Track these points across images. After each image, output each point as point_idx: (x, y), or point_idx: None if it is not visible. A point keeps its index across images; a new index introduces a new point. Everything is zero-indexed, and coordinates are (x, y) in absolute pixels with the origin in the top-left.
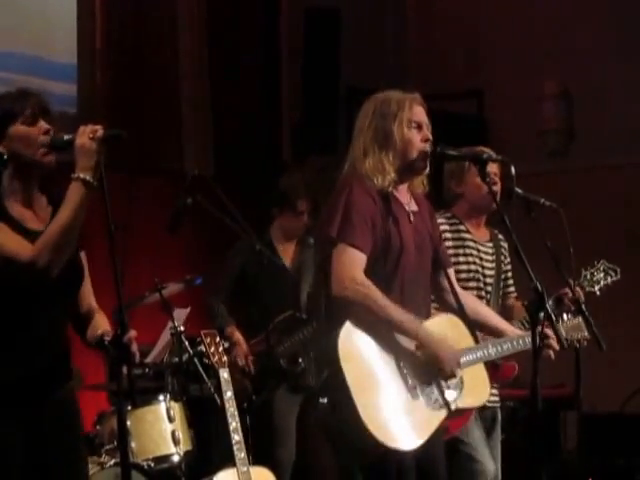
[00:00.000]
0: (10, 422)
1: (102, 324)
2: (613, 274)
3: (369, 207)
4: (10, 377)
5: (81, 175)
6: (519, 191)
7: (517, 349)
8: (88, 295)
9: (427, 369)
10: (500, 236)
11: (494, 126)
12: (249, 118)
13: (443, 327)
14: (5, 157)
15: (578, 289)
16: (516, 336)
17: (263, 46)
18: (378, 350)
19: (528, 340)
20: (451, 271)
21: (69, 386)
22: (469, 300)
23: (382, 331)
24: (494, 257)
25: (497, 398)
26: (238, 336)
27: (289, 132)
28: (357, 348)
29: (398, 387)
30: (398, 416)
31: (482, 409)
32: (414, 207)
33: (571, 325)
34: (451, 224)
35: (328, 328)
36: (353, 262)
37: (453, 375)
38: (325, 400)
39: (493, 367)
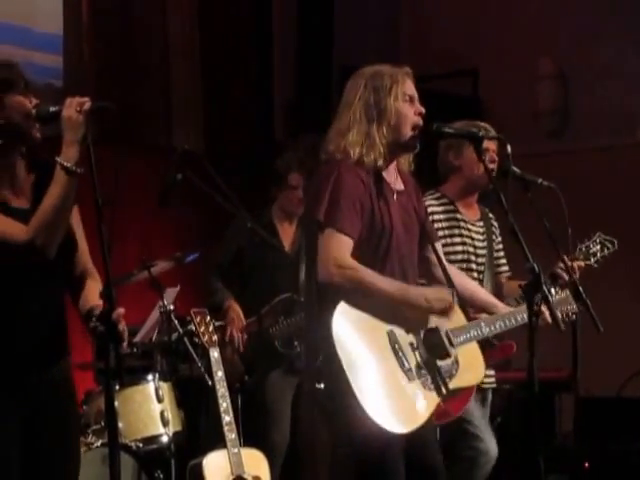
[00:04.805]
0: (3, 404)
1: (93, 296)
2: (610, 246)
3: (357, 190)
4: (3, 354)
5: (64, 163)
6: (516, 170)
7: (509, 326)
8: (83, 255)
9: (423, 349)
10: (490, 215)
11: (489, 106)
12: (241, 94)
13: None
14: (2, 123)
15: (575, 265)
16: (508, 312)
17: (256, 23)
18: (373, 333)
19: (520, 317)
20: (438, 245)
21: (65, 364)
22: (456, 275)
23: (376, 313)
24: (485, 236)
25: (492, 379)
26: (237, 310)
27: (281, 109)
28: (351, 332)
29: (394, 370)
30: (395, 399)
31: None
32: (400, 186)
33: (559, 299)
34: (441, 204)
35: (319, 312)
36: (340, 247)
37: (450, 308)
38: (322, 385)
39: (490, 347)
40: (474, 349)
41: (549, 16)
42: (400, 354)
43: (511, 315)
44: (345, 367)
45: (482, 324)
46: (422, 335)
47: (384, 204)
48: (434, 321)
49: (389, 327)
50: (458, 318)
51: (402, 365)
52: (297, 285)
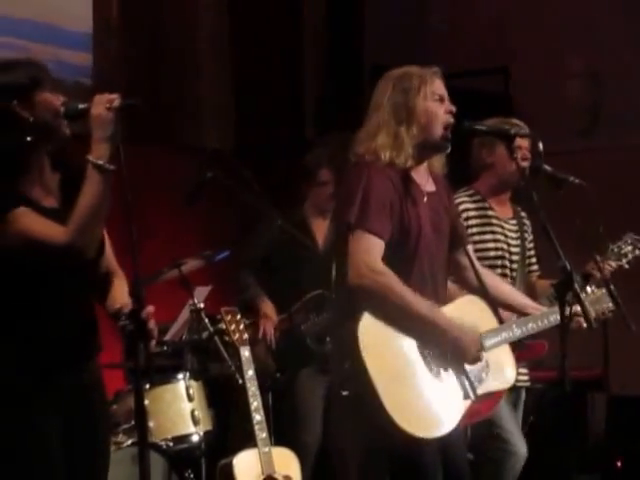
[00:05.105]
0: (42, 402)
1: (120, 295)
2: None
3: (387, 192)
4: (36, 353)
5: (95, 161)
6: (547, 168)
7: (542, 328)
8: (107, 254)
9: (451, 353)
10: (523, 213)
11: (520, 103)
12: (271, 92)
13: (465, 309)
14: (38, 124)
15: (607, 266)
16: (540, 314)
17: (286, 18)
18: (399, 337)
19: (553, 318)
20: (470, 248)
21: (94, 364)
22: (489, 277)
23: (402, 317)
24: (518, 234)
25: (526, 378)
26: (270, 307)
27: (312, 108)
28: (378, 337)
29: (422, 374)
30: (424, 404)
31: (509, 389)
32: (431, 187)
33: (594, 298)
34: (474, 201)
35: (346, 313)
36: (371, 249)
37: (478, 359)
38: (347, 393)
39: (521, 347)
40: (505, 352)
41: (581, 13)
42: (429, 358)
43: (544, 316)
44: (372, 374)
45: (514, 326)
46: None
47: (413, 206)
48: (464, 324)
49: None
50: (489, 321)
51: (431, 369)
52: (329, 282)
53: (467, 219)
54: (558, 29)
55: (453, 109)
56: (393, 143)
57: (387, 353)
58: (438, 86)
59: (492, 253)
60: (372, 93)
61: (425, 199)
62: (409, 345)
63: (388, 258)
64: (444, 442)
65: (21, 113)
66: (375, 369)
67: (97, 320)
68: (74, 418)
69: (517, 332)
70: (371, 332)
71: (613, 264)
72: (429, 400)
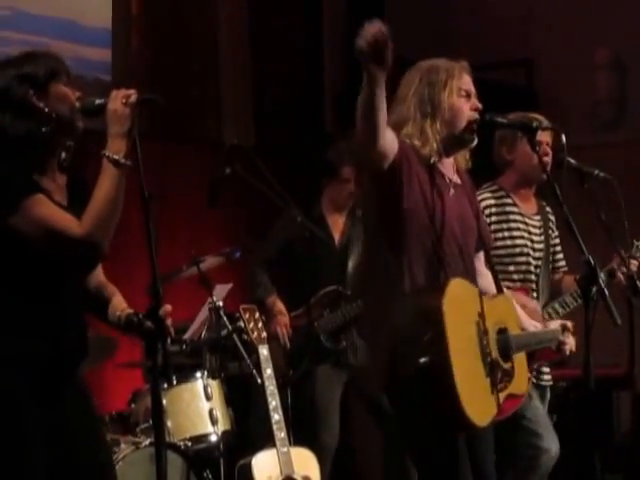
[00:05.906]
0: (37, 402)
1: (121, 304)
2: None
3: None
4: (38, 353)
5: (112, 156)
6: (571, 161)
7: (549, 343)
8: (97, 269)
9: (495, 347)
10: (548, 208)
11: (544, 96)
12: (291, 87)
13: (499, 307)
14: (53, 115)
15: (634, 262)
16: (543, 330)
17: (305, 13)
18: (472, 318)
19: (549, 337)
20: (480, 256)
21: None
22: (486, 282)
23: (475, 299)
24: (542, 230)
25: (549, 377)
26: (280, 306)
27: (332, 101)
28: (458, 311)
29: (479, 361)
30: (477, 391)
31: (534, 387)
32: (457, 180)
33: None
34: (497, 197)
35: (386, 300)
36: None
37: None
38: (426, 359)
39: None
40: (523, 359)
41: (606, 3)
42: (483, 346)
43: (545, 333)
44: (450, 345)
45: (532, 337)
46: (495, 334)
47: (438, 195)
48: (504, 322)
49: (476, 316)
50: (516, 325)
51: (484, 358)
52: (345, 278)
53: (489, 215)
54: (583, 19)
55: (479, 106)
56: (418, 136)
57: (464, 328)
58: (465, 81)
59: (512, 250)
60: (393, 85)
61: (452, 191)
62: (472, 330)
63: (410, 247)
64: (474, 441)
65: (37, 103)
66: (453, 340)
67: (87, 325)
68: (66, 424)
69: (532, 342)
70: (454, 304)
71: (638, 260)
72: (479, 388)
